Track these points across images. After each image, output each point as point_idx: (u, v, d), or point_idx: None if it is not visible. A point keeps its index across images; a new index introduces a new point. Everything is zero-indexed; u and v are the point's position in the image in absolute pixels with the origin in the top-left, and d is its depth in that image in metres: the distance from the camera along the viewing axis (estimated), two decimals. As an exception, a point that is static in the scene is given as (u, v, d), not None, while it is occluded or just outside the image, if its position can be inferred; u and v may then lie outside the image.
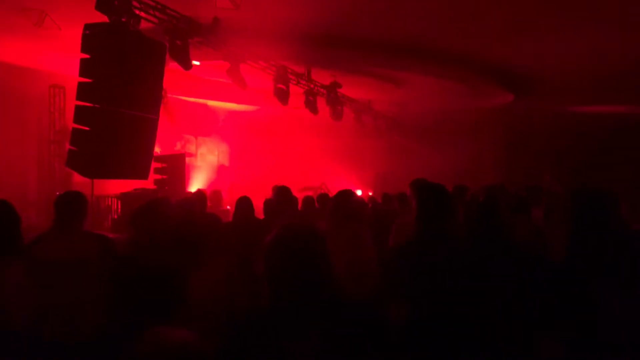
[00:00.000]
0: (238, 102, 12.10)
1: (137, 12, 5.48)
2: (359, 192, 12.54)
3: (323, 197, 5.52)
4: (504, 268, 1.95)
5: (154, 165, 7.20)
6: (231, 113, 13.18)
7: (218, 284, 2.13)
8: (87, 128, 5.08)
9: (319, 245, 1.32)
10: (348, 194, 2.78)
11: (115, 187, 7.90)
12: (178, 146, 11.67)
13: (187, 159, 9.52)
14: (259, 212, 4.06)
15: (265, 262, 1.31)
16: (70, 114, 5.53)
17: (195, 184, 11.25)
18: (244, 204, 3.81)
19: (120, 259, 2.28)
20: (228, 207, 8.12)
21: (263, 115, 13.24)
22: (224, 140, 13.52)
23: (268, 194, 6.56)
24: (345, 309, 1.28)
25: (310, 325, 1.23)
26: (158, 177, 7.63)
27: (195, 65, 6.79)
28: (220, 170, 13.10)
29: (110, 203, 7.83)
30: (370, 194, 12.58)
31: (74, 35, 5.24)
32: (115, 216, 7.47)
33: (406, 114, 12.58)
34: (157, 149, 8.27)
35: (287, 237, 1.32)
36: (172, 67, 7.10)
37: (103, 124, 5.17)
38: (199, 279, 2.01)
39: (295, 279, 1.26)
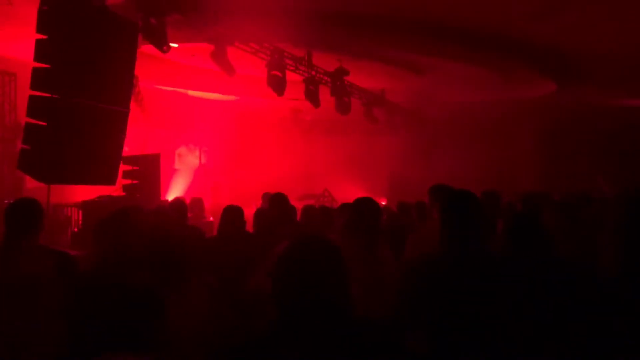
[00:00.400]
0: (223, 93, 12.16)
1: (103, -16, 5.54)
2: (383, 202, 12.52)
3: (325, 209, 5.52)
4: (551, 294, 1.94)
5: (123, 167, 7.23)
6: (216, 105, 13.24)
7: (201, 308, 2.13)
8: (43, 123, 5.10)
9: (340, 261, 1.35)
10: (370, 204, 2.78)
11: (75, 194, 7.91)
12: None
13: (163, 160, 9.54)
14: (249, 225, 4.06)
15: (276, 278, 1.33)
16: (22, 106, 5.55)
17: (173, 191, 11.28)
18: (231, 214, 3.81)
19: (82, 280, 2.28)
20: (212, 218, 8.13)
21: (254, 108, 13.30)
22: (208, 138, 13.58)
23: (259, 202, 6.57)
24: (361, 333, 1.31)
25: (321, 351, 1.25)
26: (127, 182, 7.65)
27: (173, 48, 6.83)
28: (202, 174, 13.14)
29: (69, 213, 7.84)
30: (383, 202, 12.59)
31: (28, 12, 5.28)
32: (76, 229, 7.49)
33: (427, 106, 12.61)
34: (125, 148, 8.29)
35: (305, 250, 1.34)
36: (143, 50, 7.15)
37: (62, 118, 5.20)
38: (178, 303, 2.01)
39: (310, 298, 1.28)
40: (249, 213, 4.20)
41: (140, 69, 7.12)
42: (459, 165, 11.35)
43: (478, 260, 1.97)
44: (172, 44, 6.52)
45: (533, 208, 3.76)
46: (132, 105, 6.50)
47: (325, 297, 1.29)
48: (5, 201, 7.13)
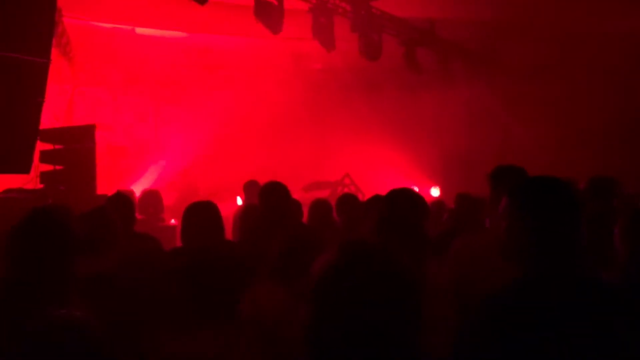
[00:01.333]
0: (189, 31, 12.17)
1: None
2: (435, 192, 12.52)
3: (349, 200, 5.56)
4: None
5: (40, 146, 7.30)
6: (181, 48, 13.23)
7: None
8: None
9: (414, 286, 1.38)
10: (410, 199, 2.80)
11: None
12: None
13: (101, 134, 9.62)
14: (231, 229, 4.12)
15: (316, 308, 1.36)
16: None
17: (119, 181, 11.40)
18: (202, 215, 3.86)
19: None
20: (174, 220, 8.22)
21: (239, 54, 13.28)
22: (167, 100, 13.64)
23: (243, 196, 6.62)
24: None
25: None
26: (48, 168, 7.74)
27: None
28: (160, 155, 13.26)
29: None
30: (434, 193, 12.59)
31: None
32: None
33: (505, 45, 12.44)
34: (44, 119, 8.38)
35: (361, 267, 1.35)
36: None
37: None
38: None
39: (370, 342, 1.30)
40: (230, 212, 4.25)
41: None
42: (554, 134, 11.18)
43: (578, 292, 1.90)
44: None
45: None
46: (54, 53, 6.54)
47: (391, 340, 1.31)
48: None
